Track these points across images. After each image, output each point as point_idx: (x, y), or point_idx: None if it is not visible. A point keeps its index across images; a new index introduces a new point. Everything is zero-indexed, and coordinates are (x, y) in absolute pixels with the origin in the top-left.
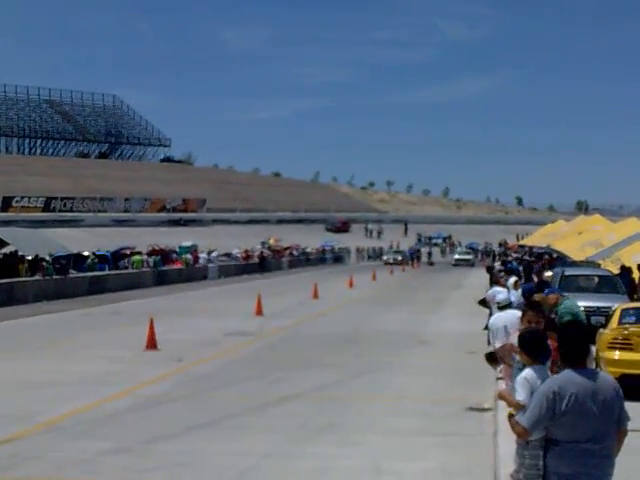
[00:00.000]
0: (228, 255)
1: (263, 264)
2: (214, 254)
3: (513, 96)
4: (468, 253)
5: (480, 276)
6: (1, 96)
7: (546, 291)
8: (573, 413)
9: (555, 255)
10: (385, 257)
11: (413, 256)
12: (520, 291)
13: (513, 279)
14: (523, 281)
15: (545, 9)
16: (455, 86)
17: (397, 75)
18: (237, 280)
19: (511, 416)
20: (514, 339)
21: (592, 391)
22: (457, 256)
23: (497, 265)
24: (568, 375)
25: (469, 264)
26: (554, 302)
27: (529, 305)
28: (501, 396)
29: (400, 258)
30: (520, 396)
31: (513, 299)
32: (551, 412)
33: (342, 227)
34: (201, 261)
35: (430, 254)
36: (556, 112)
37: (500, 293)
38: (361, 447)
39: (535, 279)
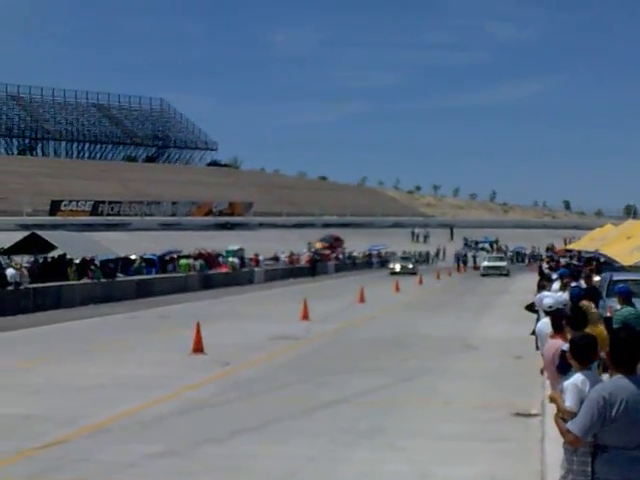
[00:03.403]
0: (276, 259)
1: (315, 268)
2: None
3: (561, 99)
4: (501, 259)
5: (527, 280)
6: (49, 100)
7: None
8: (623, 420)
9: (603, 260)
10: (391, 265)
11: (459, 260)
12: (567, 295)
13: (557, 284)
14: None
15: (597, 9)
16: (503, 89)
17: (444, 78)
18: (283, 284)
19: (558, 420)
20: (555, 344)
21: None
22: (486, 263)
23: (546, 269)
24: (618, 381)
25: (502, 273)
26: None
27: (571, 310)
28: (552, 399)
29: (411, 266)
30: (569, 402)
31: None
32: (602, 419)
33: (335, 243)
34: (260, 265)
35: (475, 258)
36: (605, 116)
37: (547, 297)
38: (407, 452)
39: (583, 284)
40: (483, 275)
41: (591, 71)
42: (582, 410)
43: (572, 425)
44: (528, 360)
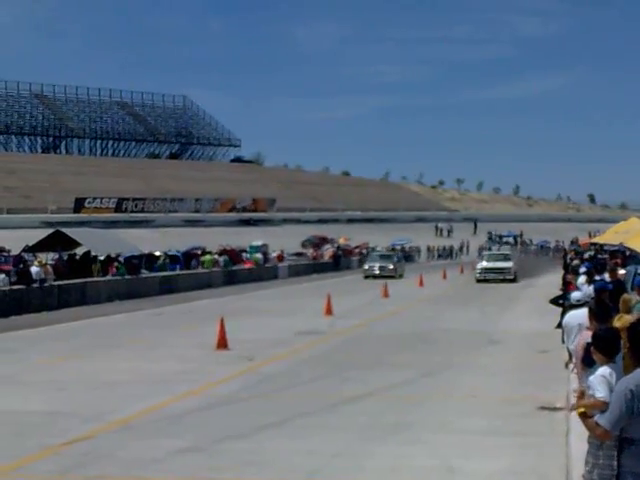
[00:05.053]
0: (299, 255)
1: (338, 262)
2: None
3: (584, 93)
4: (505, 257)
5: (552, 274)
6: (73, 98)
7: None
8: None
9: (628, 253)
10: (366, 265)
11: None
12: (592, 288)
13: (583, 278)
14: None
15: (620, 2)
16: (526, 83)
17: (468, 72)
18: (307, 279)
19: (582, 415)
20: (587, 337)
21: None
22: (484, 263)
23: (572, 262)
24: None
25: (507, 278)
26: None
27: (595, 304)
28: (582, 405)
29: (391, 267)
30: (601, 393)
31: (586, 297)
32: (630, 411)
33: (321, 243)
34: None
35: None
36: (628, 109)
37: (575, 291)
38: (431, 446)
39: (607, 277)
40: (479, 281)
41: (615, 65)
42: (609, 404)
43: (601, 419)
44: (553, 354)
